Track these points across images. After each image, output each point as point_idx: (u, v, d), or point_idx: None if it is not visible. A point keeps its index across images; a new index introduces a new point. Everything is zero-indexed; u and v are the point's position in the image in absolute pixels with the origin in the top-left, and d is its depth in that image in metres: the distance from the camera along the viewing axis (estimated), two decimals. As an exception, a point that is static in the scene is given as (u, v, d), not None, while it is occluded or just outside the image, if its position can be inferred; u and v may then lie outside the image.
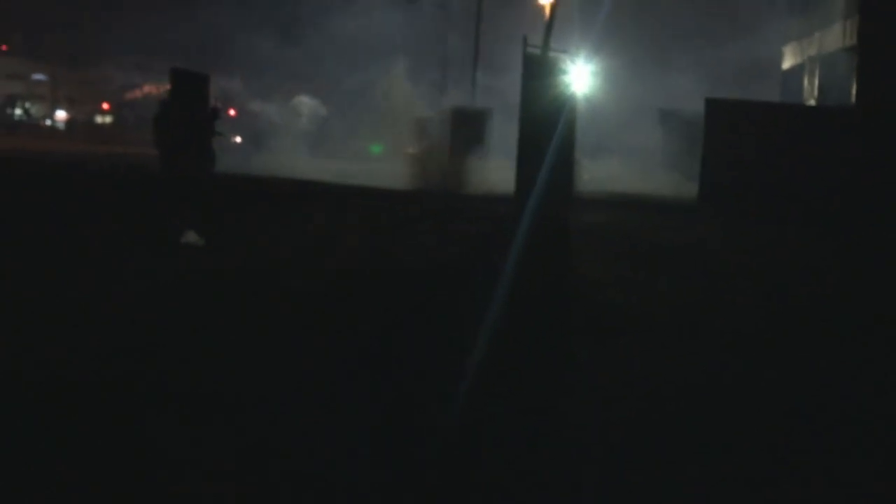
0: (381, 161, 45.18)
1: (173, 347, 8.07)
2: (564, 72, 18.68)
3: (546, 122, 16.99)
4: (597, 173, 37.36)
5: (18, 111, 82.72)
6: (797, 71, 45.26)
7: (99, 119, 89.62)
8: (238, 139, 48.80)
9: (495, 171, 36.49)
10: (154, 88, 59.58)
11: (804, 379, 8.26)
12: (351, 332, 9.14)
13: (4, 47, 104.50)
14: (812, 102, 41.17)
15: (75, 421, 5.94)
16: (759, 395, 7.61)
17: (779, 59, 48.59)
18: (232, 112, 39.34)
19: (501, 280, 11.33)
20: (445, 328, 9.39)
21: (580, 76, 21.68)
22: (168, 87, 30.28)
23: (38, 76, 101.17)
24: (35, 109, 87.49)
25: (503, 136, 33.61)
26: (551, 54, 18.72)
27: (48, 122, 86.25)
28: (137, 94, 73.34)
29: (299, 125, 47.15)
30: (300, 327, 9.21)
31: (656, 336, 9.71)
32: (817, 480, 5.73)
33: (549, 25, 19.27)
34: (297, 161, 41.61)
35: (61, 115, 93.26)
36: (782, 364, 8.74)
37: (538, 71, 17.72)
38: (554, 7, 20.66)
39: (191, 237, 14.46)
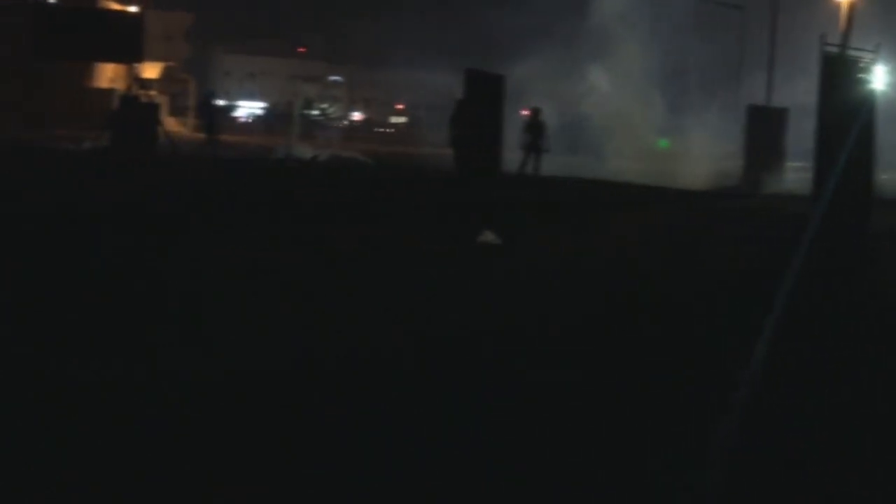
0: (669, 159, 44.99)
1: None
2: (864, 70, 18.52)
3: (845, 123, 16.87)
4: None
5: (315, 112, 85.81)
6: None
7: (392, 119, 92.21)
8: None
9: (791, 171, 36.13)
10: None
11: None
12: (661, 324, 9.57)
13: (303, 49, 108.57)
14: None
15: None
16: None
17: None
18: (525, 112, 39.79)
19: (790, 280, 11.36)
20: (741, 321, 9.59)
21: (879, 74, 21.37)
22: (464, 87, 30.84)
23: (335, 78, 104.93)
24: (332, 110, 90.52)
25: (799, 136, 33.24)
26: (850, 53, 18.58)
27: (344, 123, 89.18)
28: (430, 94, 74.86)
29: (591, 119, 46.88)
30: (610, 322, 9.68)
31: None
32: None
33: (848, 25, 19.16)
34: (584, 161, 41.73)
35: (356, 115, 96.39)
36: None
37: (837, 71, 17.63)
38: (852, 7, 20.47)
39: (488, 236, 14.87)
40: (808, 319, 9.65)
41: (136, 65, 34.29)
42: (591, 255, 14.83)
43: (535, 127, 31.94)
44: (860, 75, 18.24)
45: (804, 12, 49.93)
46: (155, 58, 61.21)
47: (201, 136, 34.41)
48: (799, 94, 33.37)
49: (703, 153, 43.90)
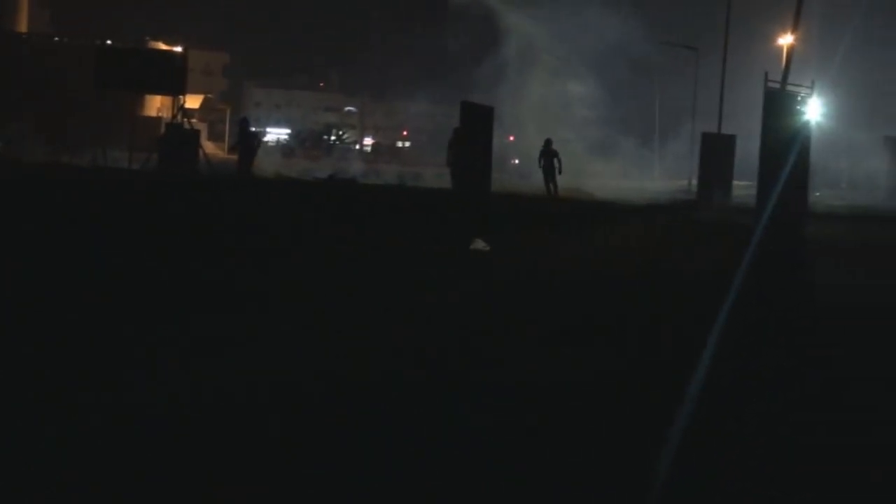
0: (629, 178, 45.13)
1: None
2: (801, 103, 18.64)
3: (784, 149, 16.97)
4: (825, 192, 36.82)
5: (333, 138, 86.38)
6: None
7: (399, 143, 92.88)
8: (516, 161, 49.45)
9: (737, 188, 36.34)
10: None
11: None
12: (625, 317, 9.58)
13: (322, 85, 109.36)
14: None
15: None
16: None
17: None
18: (511, 138, 39.99)
19: (740, 281, 11.29)
20: (691, 319, 9.56)
21: (814, 106, 21.49)
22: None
23: (350, 108, 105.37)
24: (347, 136, 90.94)
25: (743, 158, 33.48)
26: (789, 89, 18.70)
27: (357, 147, 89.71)
28: (430, 122, 75.24)
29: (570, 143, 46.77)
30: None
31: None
32: None
33: (787, 67, 19.29)
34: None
35: (368, 140, 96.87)
36: None
37: (777, 103, 17.71)
38: (791, 50, 20.61)
39: (478, 244, 14.91)
40: (752, 315, 9.65)
41: (180, 96, 34.42)
42: (570, 259, 14.79)
43: (548, 154, 32.91)
44: (797, 107, 18.36)
45: (751, 53, 50.15)
46: (196, 90, 61.40)
47: (235, 157, 34.16)
48: (746, 123, 33.56)
49: (662, 174, 44.06)
